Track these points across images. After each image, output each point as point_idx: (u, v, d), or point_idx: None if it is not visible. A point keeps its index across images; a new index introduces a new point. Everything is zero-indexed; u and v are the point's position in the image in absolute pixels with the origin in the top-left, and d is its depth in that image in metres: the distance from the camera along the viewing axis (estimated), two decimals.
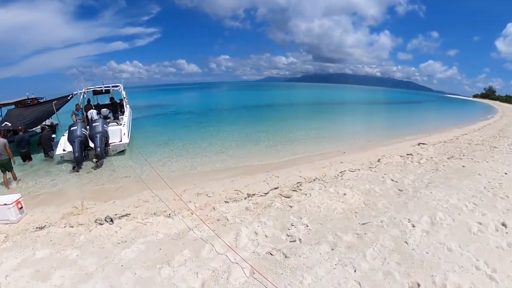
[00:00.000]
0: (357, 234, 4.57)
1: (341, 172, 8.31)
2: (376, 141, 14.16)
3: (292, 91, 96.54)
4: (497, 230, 4.79)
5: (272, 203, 6.00)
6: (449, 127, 20.18)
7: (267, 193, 6.71)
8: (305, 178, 7.85)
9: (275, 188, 7.04)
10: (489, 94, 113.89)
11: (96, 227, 5.21)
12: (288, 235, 4.61)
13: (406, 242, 4.32)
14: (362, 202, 5.98)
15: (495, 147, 11.84)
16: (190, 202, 6.25)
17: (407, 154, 10.74)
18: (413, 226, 4.86)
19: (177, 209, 5.89)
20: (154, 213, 5.72)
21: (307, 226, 4.89)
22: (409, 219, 5.13)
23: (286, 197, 6.29)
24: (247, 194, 6.67)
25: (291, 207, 5.76)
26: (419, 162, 9.49)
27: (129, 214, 5.70)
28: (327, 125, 19.85)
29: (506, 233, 4.72)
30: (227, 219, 5.29)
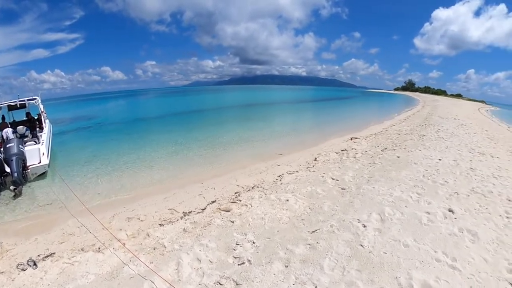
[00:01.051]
0: (309, 244, 4.39)
1: (279, 176, 8.25)
2: (310, 140, 14.67)
3: (220, 94, 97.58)
4: (446, 217, 5.10)
5: (211, 220, 5.57)
6: (377, 120, 22.01)
7: (205, 208, 6.29)
8: (243, 187, 7.60)
9: (213, 202, 6.67)
10: (409, 86, 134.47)
11: (18, 274, 4.33)
12: (235, 257, 4.22)
13: (362, 245, 4.28)
14: (307, 206, 5.90)
15: (424, 135, 13.16)
16: (121, 230, 5.56)
17: (342, 150, 11.25)
18: (364, 226, 4.89)
19: (107, 240, 5.15)
20: (82, 249, 4.93)
21: (253, 243, 4.56)
22: (358, 219, 5.16)
23: (226, 211, 5.92)
24: (183, 212, 6.19)
25: (232, 222, 5.39)
26: (355, 157, 9.94)
27: (54, 254, 4.86)
28: (259, 127, 20.16)
29: (455, 218, 5.07)
30: (165, 246, 4.72)
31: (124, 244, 4.90)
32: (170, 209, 6.52)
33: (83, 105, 65.23)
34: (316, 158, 10.15)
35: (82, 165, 11.26)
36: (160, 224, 5.69)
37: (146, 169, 10.60)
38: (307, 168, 9.00)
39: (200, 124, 22.87)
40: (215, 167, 10.45)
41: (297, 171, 8.71)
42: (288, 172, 8.56)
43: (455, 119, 19.67)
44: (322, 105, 48.72)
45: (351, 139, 13.68)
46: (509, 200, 5.83)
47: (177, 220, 5.82)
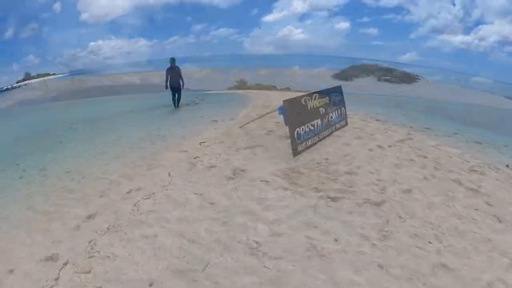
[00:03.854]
0: None
1: (135, 205, 7.14)
2: (153, 152, 13.67)
3: None
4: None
5: None
6: (216, 119, 22.54)
7: (58, 278, 4.56)
8: (96, 231, 6.05)
9: (65, 264, 4.90)
10: (241, 85, 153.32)
11: None
12: None
13: (265, 267, 3.94)
14: (182, 238, 5.18)
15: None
16: None
17: (195, 158, 10.83)
18: (257, 243, 4.59)
19: None
20: None
21: None
22: (246, 237, 4.83)
23: (86, 273, 4.48)
24: None
25: None
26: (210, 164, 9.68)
27: None
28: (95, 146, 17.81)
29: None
30: None
31: None
32: None
33: None
34: (169, 173, 9.47)
35: None
36: None
37: None
38: (163, 187, 8.22)
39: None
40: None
41: (153, 193, 7.82)
42: (144, 197, 7.59)
43: None
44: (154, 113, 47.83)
45: (200, 144, 13.45)
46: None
47: None
